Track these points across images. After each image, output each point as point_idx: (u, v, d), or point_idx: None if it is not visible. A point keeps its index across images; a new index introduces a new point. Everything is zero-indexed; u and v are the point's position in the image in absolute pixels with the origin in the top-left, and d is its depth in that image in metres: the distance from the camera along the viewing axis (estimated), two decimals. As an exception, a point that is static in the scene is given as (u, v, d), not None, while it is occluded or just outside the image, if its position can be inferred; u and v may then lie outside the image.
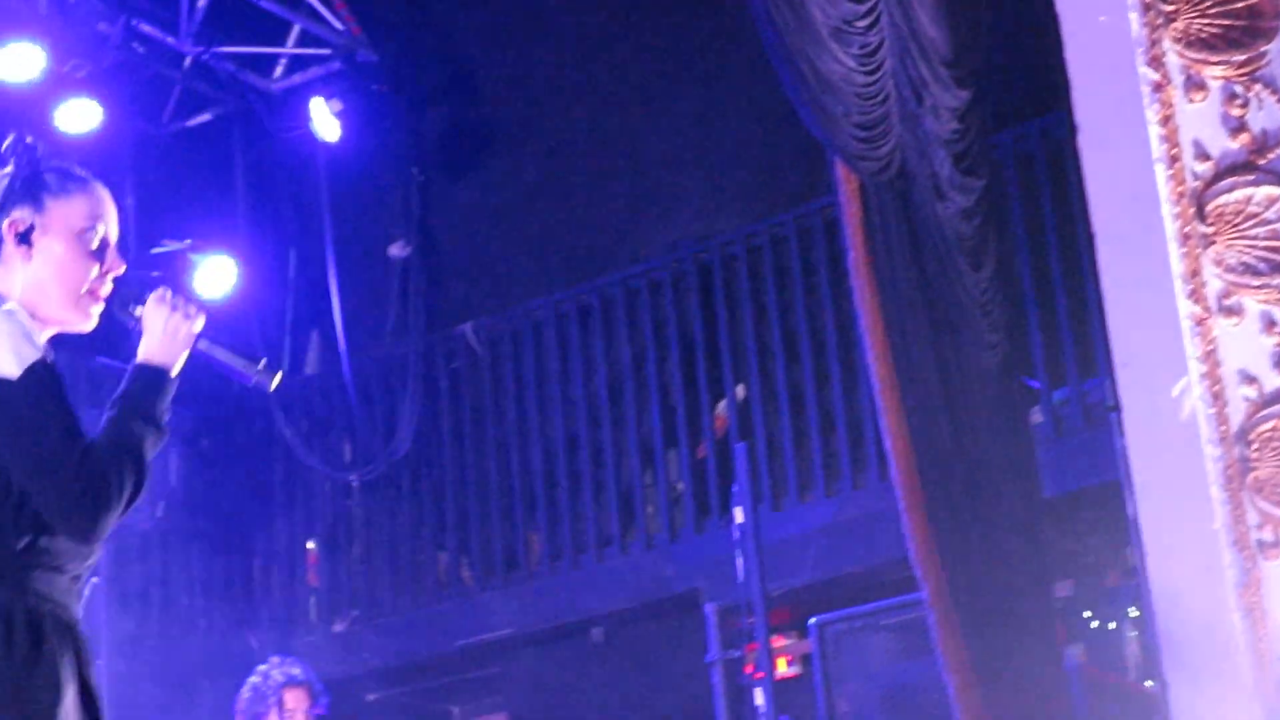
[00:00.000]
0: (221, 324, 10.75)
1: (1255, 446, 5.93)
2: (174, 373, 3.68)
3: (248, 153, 11.36)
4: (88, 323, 3.70)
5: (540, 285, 11.00)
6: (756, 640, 7.74)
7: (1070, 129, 6.43)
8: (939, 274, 6.83)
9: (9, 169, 3.67)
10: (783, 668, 10.01)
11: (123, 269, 3.72)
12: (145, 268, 10.55)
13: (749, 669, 8.25)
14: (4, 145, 3.70)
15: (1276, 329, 5.98)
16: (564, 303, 10.82)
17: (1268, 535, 5.87)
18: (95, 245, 3.67)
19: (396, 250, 11.48)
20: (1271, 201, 6.04)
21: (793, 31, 6.41)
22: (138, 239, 10.65)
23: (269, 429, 11.16)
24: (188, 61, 10.57)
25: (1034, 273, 9.10)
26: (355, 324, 11.03)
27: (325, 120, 10.64)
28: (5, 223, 3.62)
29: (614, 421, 10.45)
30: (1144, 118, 6.16)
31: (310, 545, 11.45)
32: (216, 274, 10.54)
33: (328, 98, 10.72)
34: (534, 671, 10.87)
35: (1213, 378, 5.98)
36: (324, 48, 10.85)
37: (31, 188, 3.65)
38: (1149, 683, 7.87)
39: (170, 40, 10.35)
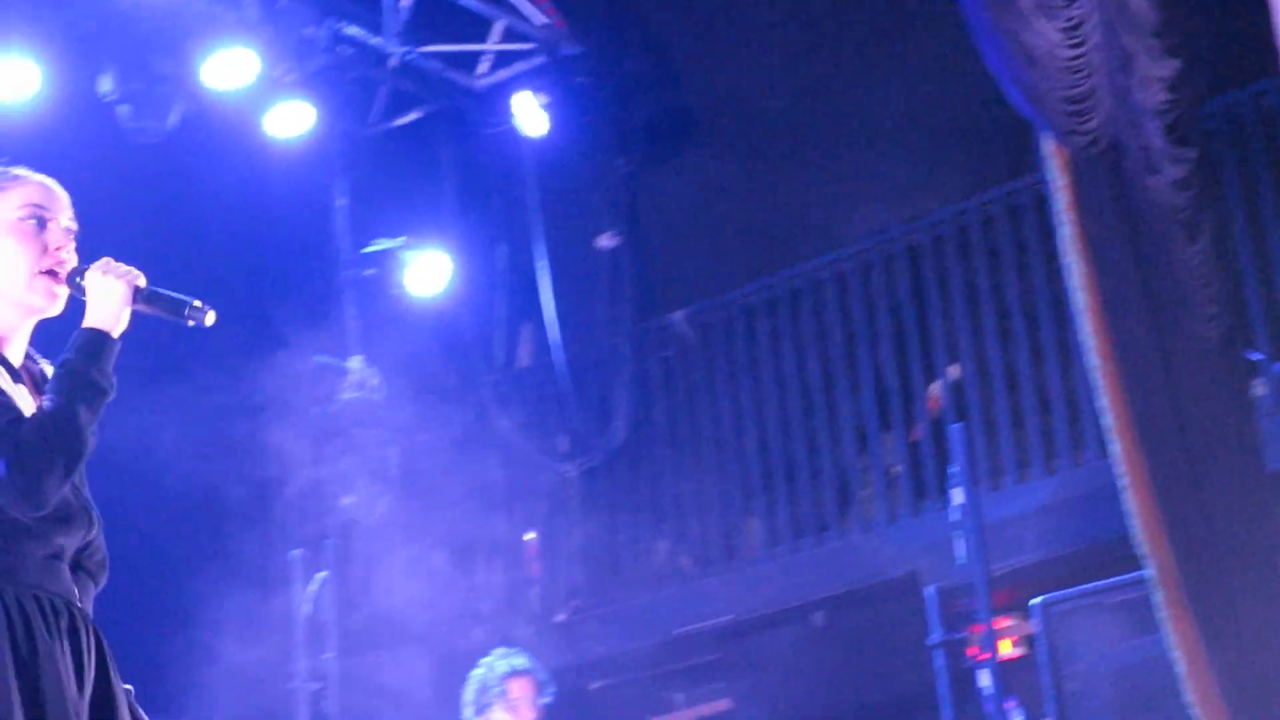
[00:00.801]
0: (434, 319, 10.93)
1: None
2: (115, 334, 3.73)
3: (455, 150, 11.49)
4: (54, 303, 3.79)
5: (749, 271, 11.00)
6: (979, 621, 7.69)
7: (1285, 95, 6.33)
8: (1153, 247, 6.74)
9: None
10: (1007, 649, 9.93)
11: (68, 244, 3.80)
12: (359, 266, 10.73)
13: (972, 651, 8.19)
14: None
15: None
16: (773, 287, 10.82)
17: None
18: (33, 230, 3.76)
19: (605, 241, 11.55)
20: None
21: (996, 7, 6.37)
22: (352, 238, 10.83)
23: (486, 422, 11.29)
24: (393, 62, 10.70)
25: (1251, 242, 8.93)
26: (566, 316, 11.11)
27: (531, 114, 10.74)
28: None
29: (827, 406, 10.43)
30: (1360, 81, 6.05)
31: (529, 536, 11.55)
32: (430, 270, 10.68)
33: (533, 92, 10.81)
34: (755, 657, 10.89)
35: None
36: (527, 43, 10.94)
37: None
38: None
39: (375, 41, 10.49)
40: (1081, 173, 6.72)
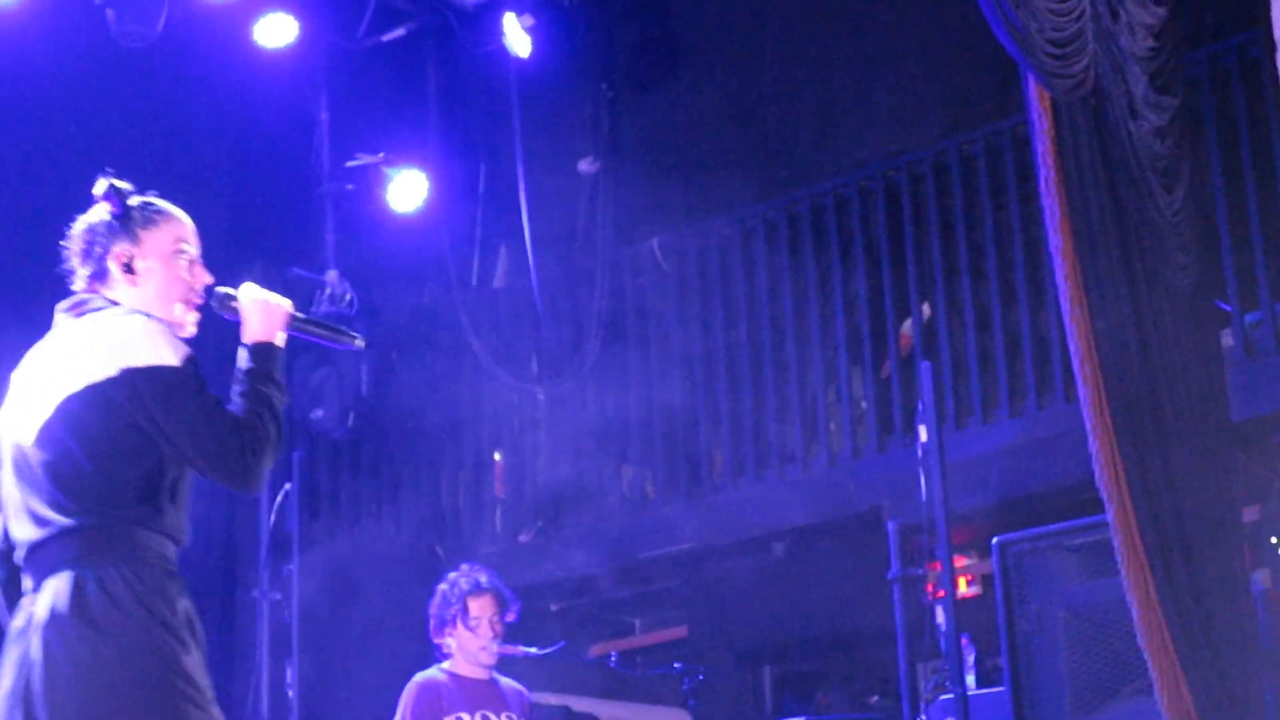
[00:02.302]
0: (412, 236, 10.92)
1: None
2: (278, 343, 4.33)
3: (440, 68, 11.44)
4: (189, 328, 4.40)
5: (727, 201, 11.01)
6: (939, 559, 7.73)
7: (1268, 46, 6.34)
8: (1131, 194, 6.76)
9: (106, 206, 4.35)
10: (963, 587, 10.01)
11: (208, 280, 4.42)
12: (339, 180, 10.72)
13: (930, 587, 8.26)
14: (98, 189, 4.36)
15: None
16: (750, 219, 10.83)
17: None
18: (184, 264, 4.39)
19: (585, 166, 11.54)
20: None
21: (986, -54, 6.36)
22: (332, 153, 10.82)
23: (457, 341, 11.30)
24: (382, -25, 10.66)
25: (1228, 193, 8.96)
26: (544, 238, 11.11)
27: (517, 35, 10.70)
28: (110, 257, 4.33)
29: (798, 339, 10.46)
30: (1344, 36, 6.07)
31: (497, 456, 11.59)
32: (408, 188, 10.67)
33: (520, 13, 10.77)
34: (715, 586, 10.95)
35: None
36: (517, -37, 10.89)
37: (126, 224, 4.35)
38: (1336, 610, 7.77)
39: (366, -46, 10.44)
40: (1063, 116, 6.73)
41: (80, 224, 4.39)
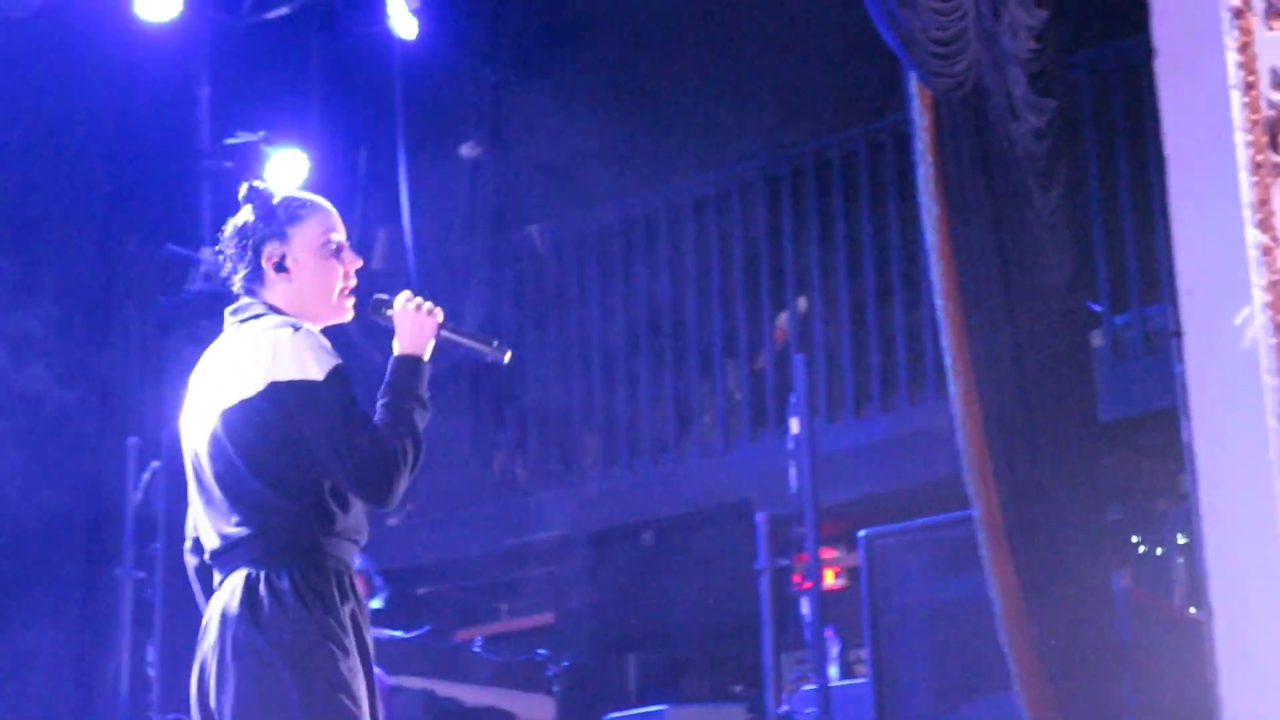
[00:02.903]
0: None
1: (1314, 377, 5.94)
2: (426, 357, 4.35)
3: (324, 48, 11.36)
4: (347, 316, 4.47)
5: (609, 190, 11.01)
6: (805, 551, 7.78)
7: (1148, 52, 6.42)
8: (1008, 194, 6.83)
9: (249, 209, 4.42)
10: (830, 579, 10.07)
11: (359, 263, 4.45)
12: (218, 158, 10.62)
13: (796, 578, 8.30)
14: (241, 192, 4.44)
15: (1343, 260, 5.98)
16: (631, 208, 10.84)
17: (1322, 466, 5.88)
18: (334, 254, 4.41)
19: (467, 150, 11.50)
20: (1346, 132, 6.02)
21: (873, -57, 6.40)
22: (212, 130, 10.71)
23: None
24: (267, -47, 10.57)
25: (1103, 196, 9.07)
26: (423, 222, 11.06)
27: (402, 17, 10.63)
28: (263, 257, 4.38)
29: (675, 329, 10.49)
30: (1222, 44, 6.14)
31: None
32: (288, 167, 10.59)
33: (406, -5, 10.71)
34: (583, 573, 10.95)
35: (1276, 308, 5.98)
36: (404, -56, 10.82)
37: (273, 223, 4.40)
38: (1194, 609, 7.89)
39: (251, -69, 10.35)
40: (944, 115, 6.78)
41: (229, 228, 4.45)
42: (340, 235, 4.44)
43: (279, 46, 11.24)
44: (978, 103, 6.78)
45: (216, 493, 4.24)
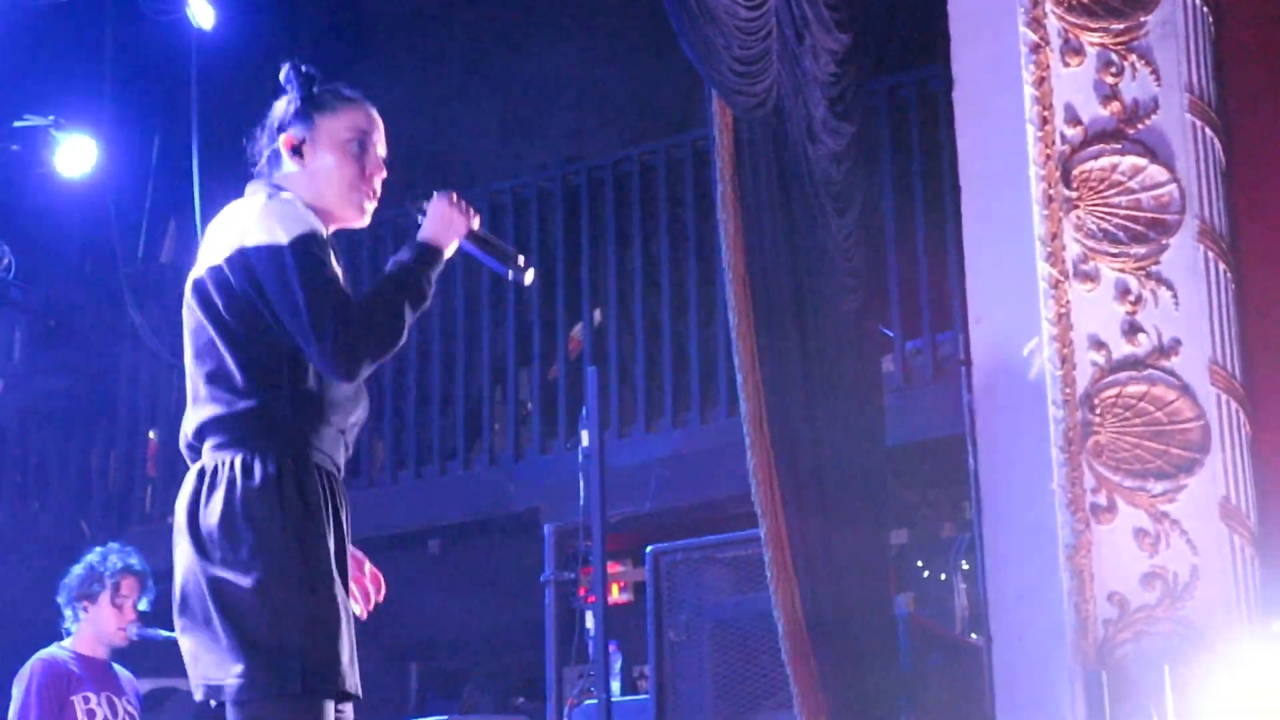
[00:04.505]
0: (78, 204, 10.62)
1: (1099, 411, 6.03)
2: (446, 252, 4.25)
3: (119, 31, 11.16)
4: (361, 218, 4.32)
5: (405, 194, 10.89)
6: (591, 564, 7.75)
7: (947, 82, 6.48)
8: (804, 215, 6.84)
9: (291, 94, 4.32)
10: (615, 594, 10.07)
11: (384, 174, 4.32)
12: (6, 141, 10.37)
13: (582, 592, 8.28)
14: (283, 74, 4.35)
15: (1130, 297, 6.08)
16: (426, 213, 10.74)
17: (1102, 499, 5.98)
18: (357, 152, 4.27)
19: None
20: (1136, 171, 6.12)
21: (679, -41, 6.39)
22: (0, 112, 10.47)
23: (119, 313, 11.01)
24: (63, -68, 10.35)
25: (897, 222, 9.15)
26: (215, 214, 10.87)
27: (200, 6, 10.45)
28: (282, 139, 4.28)
29: (468, 335, 10.42)
30: (1020, 78, 6.23)
31: (152, 435, 11.33)
32: (77, 152, 10.37)
33: (205, -17, 10.53)
34: (367, 579, 10.83)
35: (1063, 340, 6.08)
36: (202, -70, 10.65)
37: (304, 108, 4.29)
38: (975, 636, 7.98)
39: (44, -90, 10.13)
40: (743, 134, 6.79)
41: (272, 110, 4.35)
42: (373, 137, 4.31)
43: (72, 29, 11.04)
44: (778, 123, 6.79)
45: (194, 377, 4.14)
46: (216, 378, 4.09)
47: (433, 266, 4.20)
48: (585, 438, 7.88)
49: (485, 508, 10.13)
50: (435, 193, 4.33)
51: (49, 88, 10.75)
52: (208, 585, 3.97)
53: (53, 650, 7.15)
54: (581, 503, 7.77)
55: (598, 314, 10.11)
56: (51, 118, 10.32)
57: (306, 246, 4.04)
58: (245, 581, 3.94)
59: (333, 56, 11.31)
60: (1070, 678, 5.88)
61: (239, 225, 4.12)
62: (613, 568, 9.78)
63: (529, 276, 4.45)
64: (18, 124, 10.32)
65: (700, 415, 9.57)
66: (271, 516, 3.98)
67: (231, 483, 4.01)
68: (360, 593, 4.39)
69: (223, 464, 4.03)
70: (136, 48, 11.21)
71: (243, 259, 4.06)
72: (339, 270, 4.10)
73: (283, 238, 4.04)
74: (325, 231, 4.18)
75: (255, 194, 4.24)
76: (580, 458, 7.90)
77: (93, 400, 11.31)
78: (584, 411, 8.01)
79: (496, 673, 10.96)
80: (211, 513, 4.00)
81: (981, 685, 6.47)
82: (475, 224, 4.33)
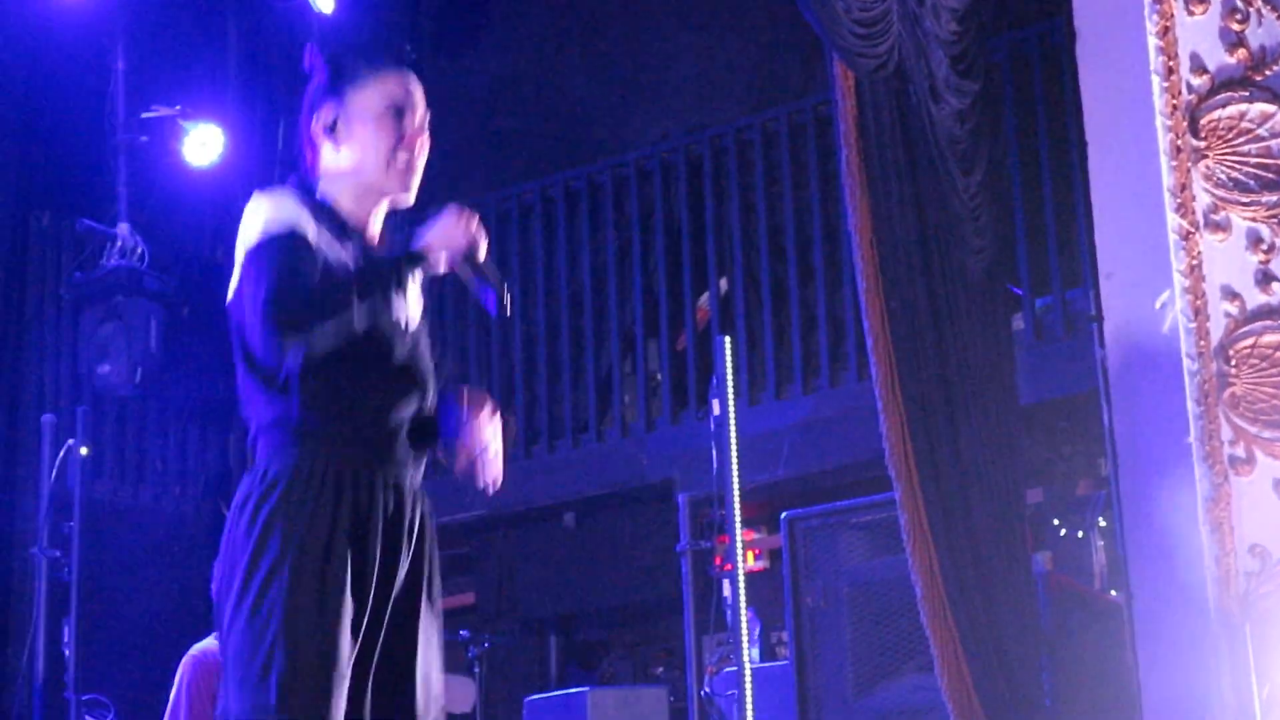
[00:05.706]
0: (207, 191, 10.73)
1: (1234, 362, 5.97)
2: (432, 265, 4.03)
3: (242, 20, 11.27)
4: (405, 193, 4.16)
5: (529, 169, 10.95)
6: (727, 533, 7.77)
7: (1069, 36, 6.42)
8: (929, 177, 6.81)
9: (317, 76, 4.14)
10: (751, 561, 10.07)
11: (426, 139, 4.17)
12: (135, 132, 10.51)
13: (718, 560, 8.29)
14: (305, 60, 4.18)
15: (1262, 246, 6.00)
16: (551, 187, 10.78)
17: (1240, 451, 5.91)
18: (392, 122, 4.10)
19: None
20: (1265, 118, 6.03)
21: (796, -77, 6.37)
22: (127, 103, 10.60)
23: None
24: (186, -78, 10.47)
25: (1023, 180, 9.08)
26: (342, 198, 10.96)
27: (322, -9, 10.55)
28: (315, 120, 4.11)
29: (596, 309, 10.45)
30: (1144, 28, 6.15)
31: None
32: (204, 141, 10.50)
33: (325, -31, 10.62)
34: (504, 554, 10.92)
35: (1195, 292, 6.01)
36: (324, -85, 10.73)
37: (335, 84, 4.11)
38: (1114, 592, 7.92)
39: (168, -98, 10.25)
40: (866, 97, 6.76)
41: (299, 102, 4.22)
42: (409, 104, 4.14)
43: (196, 18, 11.15)
44: (900, 85, 6.75)
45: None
46: (244, 395, 4.14)
47: (405, 275, 4.03)
48: (716, 406, 7.89)
49: (619, 480, 10.17)
50: (450, 205, 4.12)
51: (174, 78, 10.88)
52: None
53: (204, 645, 7.24)
54: (714, 472, 7.79)
55: (724, 283, 10.11)
56: (178, 108, 10.45)
57: (276, 236, 3.94)
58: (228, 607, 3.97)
59: (453, 35, 11.39)
60: (1213, 632, 5.82)
61: (241, 234, 4.04)
62: (747, 535, 9.76)
63: (507, 308, 4.17)
64: (145, 115, 10.46)
65: (830, 380, 9.55)
66: (249, 534, 4.01)
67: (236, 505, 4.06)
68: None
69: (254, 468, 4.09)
70: (259, 34, 11.32)
71: (243, 261, 4.03)
72: (334, 255, 4.00)
73: (255, 236, 3.96)
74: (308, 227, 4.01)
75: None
76: (711, 426, 7.91)
77: (228, 386, 11.43)
78: (713, 380, 8.03)
79: (635, 643, 11.00)
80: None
81: (1122, 641, 6.43)
82: (482, 249, 4.11)
